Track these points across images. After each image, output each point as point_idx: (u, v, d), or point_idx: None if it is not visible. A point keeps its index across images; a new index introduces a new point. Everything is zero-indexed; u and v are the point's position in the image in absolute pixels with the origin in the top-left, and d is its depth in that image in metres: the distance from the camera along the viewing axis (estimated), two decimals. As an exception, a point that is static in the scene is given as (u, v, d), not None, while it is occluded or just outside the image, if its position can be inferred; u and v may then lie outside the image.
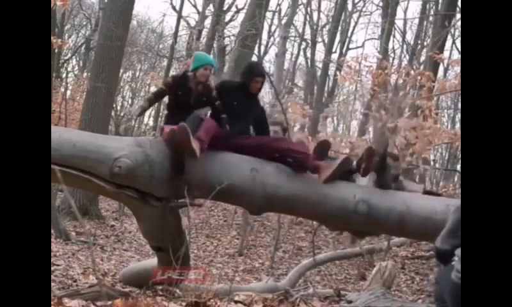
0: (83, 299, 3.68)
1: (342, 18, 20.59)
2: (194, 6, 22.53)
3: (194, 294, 3.93)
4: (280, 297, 4.52)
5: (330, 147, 4.57)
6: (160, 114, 17.77)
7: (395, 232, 5.01)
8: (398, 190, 4.19)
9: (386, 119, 7.62)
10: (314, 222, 6.80)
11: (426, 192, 4.40)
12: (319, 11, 22.29)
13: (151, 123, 20.01)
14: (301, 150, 4.10)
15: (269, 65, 21.24)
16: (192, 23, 21.51)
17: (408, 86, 9.54)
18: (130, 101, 25.46)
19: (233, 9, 21.19)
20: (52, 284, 4.60)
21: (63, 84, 20.09)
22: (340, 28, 20.12)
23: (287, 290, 5.37)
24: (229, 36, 19.24)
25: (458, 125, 17.26)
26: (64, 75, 22.69)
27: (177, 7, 21.19)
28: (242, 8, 20.21)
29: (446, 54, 16.58)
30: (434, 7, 16.44)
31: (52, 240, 7.34)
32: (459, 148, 12.12)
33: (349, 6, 21.12)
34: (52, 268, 5.44)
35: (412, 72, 9.84)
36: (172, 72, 18.38)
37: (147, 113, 15.50)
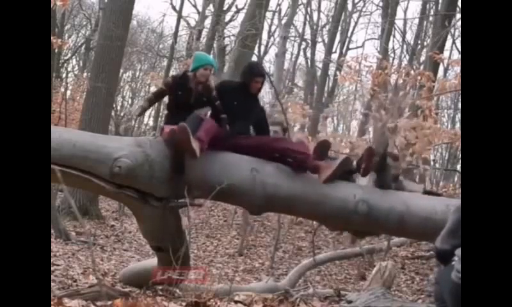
0: (83, 298, 3.68)
1: (342, 18, 20.60)
2: (194, 6, 22.57)
3: (194, 294, 3.93)
4: (279, 297, 4.51)
5: (330, 147, 4.57)
6: (160, 114, 17.78)
7: (395, 232, 5.01)
8: (398, 190, 4.19)
9: (386, 119, 7.62)
10: (314, 222, 6.80)
11: (426, 192, 4.41)
12: (319, 11, 22.33)
13: (151, 123, 20.03)
14: (301, 150, 4.10)
15: (269, 65, 21.27)
16: (192, 23, 21.54)
17: (408, 86, 9.54)
18: (130, 101, 25.48)
19: (233, 9, 21.24)
20: (52, 284, 4.60)
21: (63, 84, 20.10)
22: (340, 28, 20.13)
23: (287, 290, 5.37)
24: (229, 36, 19.27)
25: (458, 125, 17.26)
26: (64, 75, 22.71)
27: (177, 7, 21.23)
28: (242, 8, 20.24)
29: (446, 54, 16.60)
30: (434, 7, 16.45)
31: (52, 240, 7.34)
32: (459, 148, 12.12)
33: (349, 6, 21.15)
34: (52, 268, 5.44)
35: (412, 72, 9.84)
36: (172, 72, 18.38)
37: (147, 113, 15.51)
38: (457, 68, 11.84)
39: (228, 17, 20.58)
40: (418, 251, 9.10)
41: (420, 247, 9.17)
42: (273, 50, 21.06)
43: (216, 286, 4.97)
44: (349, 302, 4.52)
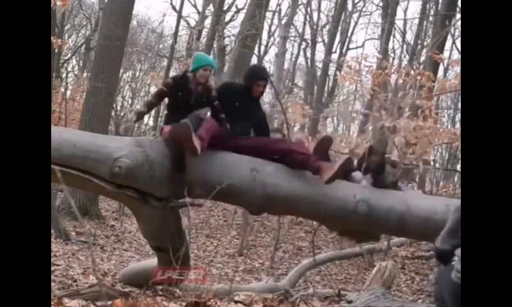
0: (83, 298, 3.68)
1: (342, 18, 20.60)
2: (194, 6, 22.57)
3: (194, 294, 3.94)
4: (279, 297, 4.52)
5: (332, 143, 4.59)
6: (160, 114, 17.77)
7: (395, 232, 5.01)
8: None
9: (386, 119, 7.63)
10: (314, 222, 6.80)
11: None
12: (319, 11, 22.32)
13: (151, 123, 20.02)
14: (301, 151, 4.11)
15: (269, 65, 21.25)
16: (192, 23, 21.54)
17: (408, 86, 9.54)
18: (130, 101, 25.50)
19: (233, 9, 21.23)
20: (52, 284, 4.60)
21: (63, 84, 20.09)
22: (340, 28, 20.13)
23: (287, 290, 5.37)
24: (229, 36, 19.26)
25: (458, 125, 17.26)
26: (64, 75, 22.70)
27: (177, 7, 21.23)
28: (242, 8, 20.24)
29: (446, 54, 16.61)
30: (434, 7, 16.46)
31: (52, 240, 7.34)
32: (459, 148, 12.11)
33: (349, 6, 21.15)
34: (52, 268, 5.44)
35: (412, 72, 9.84)
36: (172, 72, 18.39)
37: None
38: (457, 68, 11.85)
39: (228, 17, 20.60)
40: (418, 251, 9.10)
41: (420, 247, 9.17)
42: (273, 50, 21.07)
43: (216, 286, 4.97)
44: (349, 302, 4.52)
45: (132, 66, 24.15)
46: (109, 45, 10.47)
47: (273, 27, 22.08)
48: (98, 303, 3.42)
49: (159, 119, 17.88)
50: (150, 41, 25.05)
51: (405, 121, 7.71)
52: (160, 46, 24.47)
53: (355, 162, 4.33)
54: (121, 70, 17.28)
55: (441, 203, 4.10)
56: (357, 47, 22.36)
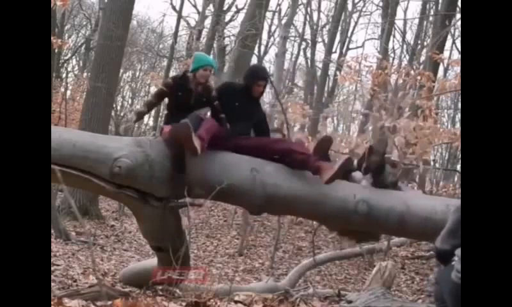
0: (83, 298, 3.68)
1: (342, 18, 20.60)
2: (194, 6, 22.57)
3: (194, 294, 3.94)
4: (279, 297, 4.52)
5: (332, 143, 4.59)
6: (160, 114, 17.77)
7: (395, 232, 5.01)
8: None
9: (386, 119, 7.62)
10: (314, 222, 6.80)
11: None
12: (319, 11, 22.32)
13: (151, 123, 20.02)
14: (301, 151, 4.11)
15: (269, 65, 21.25)
16: (192, 23, 21.54)
17: (408, 86, 9.54)
18: (130, 101, 25.49)
19: (233, 9, 21.23)
20: (52, 284, 4.60)
21: (63, 84, 20.10)
22: (340, 28, 20.13)
23: (287, 290, 5.37)
24: (229, 36, 19.26)
25: (458, 125, 17.26)
26: (64, 75, 22.70)
27: (177, 7, 21.23)
28: (242, 8, 20.24)
29: (446, 54, 16.61)
30: (434, 7, 16.46)
31: (52, 240, 7.34)
32: (459, 148, 12.12)
33: (349, 6, 21.15)
34: (52, 268, 5.44)
35: (412, 72, 9.84)
36: (172, 72, 18.39)
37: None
38: (457, 68, 11.84)
39: (228, 17, 20.60)
40: (418, 251, 9.10)
41: (420, 247, 9.16)
42: (273, 50, 21.07)
43: (216, 286, 4.97)
44: (349, 302, 4.52)
45: (132, 66, 24.15)
46: (109, 45, 10.47)
47: (273, 27, 22.11)
48: (98, 303, 3.42)
49: (159, 119, 17.87)
50: (150, 41, 25.06)
51: (405, 121, 7.71)
52: (160, 46, 24.49)
53: (355, 162, 4.33)
54: (121, 70, 17.28)
55: (441, 203, 4.10)
56: (357, 47, 22.40)
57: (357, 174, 4.21)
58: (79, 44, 25.19)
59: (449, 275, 2.38)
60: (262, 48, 21.40)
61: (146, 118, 20.59)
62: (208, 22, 18.50)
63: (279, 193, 3.96)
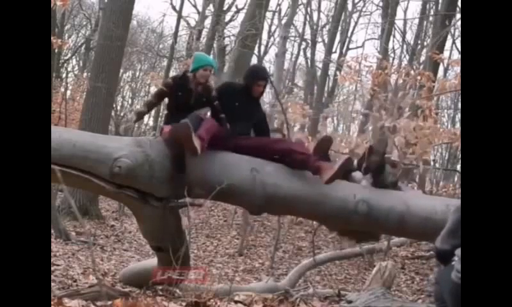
0: (83, 298, 3.68)
1: (342, 18, 20.60)
2: (194, 6, 22.57)
3: (194, 294, 3.94)
4: (279, 297, 4.52)
5: (332, 143, 4.59)
6: (160, 114, 17.77)
7: (395, 232, 5.01)
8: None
9: (386, 119, 7.62)
10: (314, 222, 6.80)
11: None
12: (319, 11, 22.32)
13: (151, 123, 20.02)
14: (301, 151, 4.11)
15: (269, 65, 21.26)
16: (192, 23, 21.54)
17: (408, 86, 9.54)
18: (130, 101, 25.50)
19: (233, 9, 21.23)
20: (52, 284, 4.60)
21: (63, 84, 20.10)
22: (340, 28, 20.13)
23: (287, 290, 5.37)
24: (229, 36, 19.26)
25: (458, 125, 17.26)
26: (64, 75, 22.71)
27: (177, 7, 21.23)
28: (242, 8, 20.24)
29: (446, 54, 16.61)
30: (434, 7, 16.46)
31: (52, 240, 7.34)
32: (459, 148, 12.12)
33: (349, 6, 21.15)
34: (52, 268, 5.44)
35: (412, 72, 9.84)
36: (172, 72, 18.39)
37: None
38: (457, 68, 11.84)
39: (228, 17, 20.60)
40: (418, 251, 9.10)
41: (420, 247, 9.16)
42: (273, 50, 21.07)
43: (216, 286, 4.97)
44: (349, 302, 4.52)
45: (132, 66, 24.15)
46: (109, 45, 10.47)
47: (273, 27, 22.12)
48: (98, 303, 3.42)
49: (159, 119, 17.87)
50: (150, 41, 25.06)
51: (405, 121, 7.71)
52: (160, 46, 24.49)
53: (355, 162, 4.33)
54: (121, 70, 17.28)
55: (441, 203, 4.10)
56: (357, 47, 22.40)
57: (357, 174, 4.21)
58: (79, 44, 25.21)
59: (449, 275, 2.38)
60: (262, 48, 21.43)
61: (146, 117, 20.59)
62: (208, 22, 18.51)
63: (279, 193, 3.96)
